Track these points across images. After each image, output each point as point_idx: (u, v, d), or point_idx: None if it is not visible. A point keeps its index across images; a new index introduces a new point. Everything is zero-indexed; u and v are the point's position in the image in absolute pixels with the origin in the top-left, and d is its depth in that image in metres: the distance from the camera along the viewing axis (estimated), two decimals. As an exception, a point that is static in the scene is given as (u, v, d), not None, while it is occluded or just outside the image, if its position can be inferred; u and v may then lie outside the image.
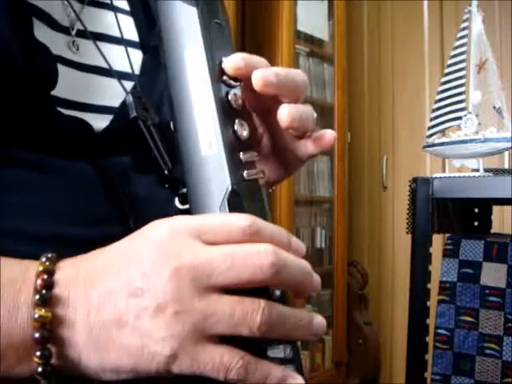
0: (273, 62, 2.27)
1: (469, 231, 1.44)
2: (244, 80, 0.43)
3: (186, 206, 0.42)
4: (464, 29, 1.34)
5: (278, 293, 0.37)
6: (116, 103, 0.54)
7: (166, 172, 0.48)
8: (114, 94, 0.54)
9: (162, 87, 0.56)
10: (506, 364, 1.23)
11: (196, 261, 0.34)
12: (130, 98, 0.52)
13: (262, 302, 0.34)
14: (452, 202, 1.38)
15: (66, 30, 0.52)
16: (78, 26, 0.54)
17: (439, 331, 1.32)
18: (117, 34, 0.57)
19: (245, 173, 0.40)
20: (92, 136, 0.52)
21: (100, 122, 0.53)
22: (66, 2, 0.52)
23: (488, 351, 1.25)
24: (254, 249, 0.35)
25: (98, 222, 0.50)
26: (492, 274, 1.27)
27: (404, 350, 1.31)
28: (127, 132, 0.52)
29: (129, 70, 0.57)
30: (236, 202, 0.39)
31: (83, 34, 0.54)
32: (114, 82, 0.55)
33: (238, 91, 0.43)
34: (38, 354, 0.34)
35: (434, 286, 1.30)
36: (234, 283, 0.34)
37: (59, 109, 0.50)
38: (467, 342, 1.28)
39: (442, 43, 2.65)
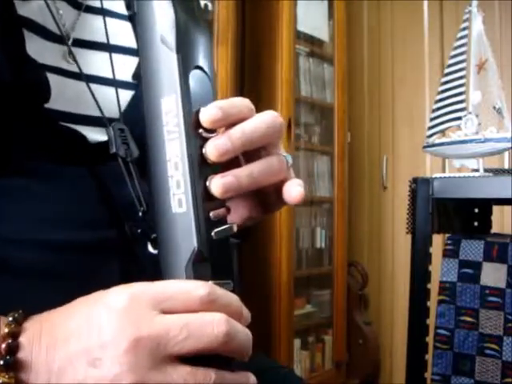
0: (273, 62, 2.25)
1: (469, 231, 1.44)
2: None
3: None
4: (464, 29, 1.34)
5: None
6: (113, 113, 0.53)
7: (140, 214, 0.48)
8: (111, 103, 0.54)
9: None
10: (506, 364, 1.22)
11: (154, 331, 0.35)
12: (111, 132, 0.51)
13: (213, 374, 0.36)
14: (452, 202, 1.38)
15: (61, 40, 0.51)
16: (74, 35, 0.53)
17: (439, 331, 1.32)
18: (114, 41, 0.56)
19: (213, 232, 0.40)
20: (87, 146, 0.52)
21: (95, 134, 0.53)
22: (60, 12, 0.52)
23: (488, 351, 1.25)
24: (209, 318, 0.36)
25: (94, 225, 0.50)
26: (492, 274, 1.27)
27: (404, 350, 1.31)
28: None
29: (127, 79, 0.57)
30: (201, 263, 0.39)
31: (79, 43, 0.53)
32: (111, 90, 0.55)
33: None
34: None
35: (433, 286, 1.30)
36: (191, 352, 0.36)
37: (55, 120, 0.49)
38: (467, 342, 1.28)
39: (442, 43, 2.65)
